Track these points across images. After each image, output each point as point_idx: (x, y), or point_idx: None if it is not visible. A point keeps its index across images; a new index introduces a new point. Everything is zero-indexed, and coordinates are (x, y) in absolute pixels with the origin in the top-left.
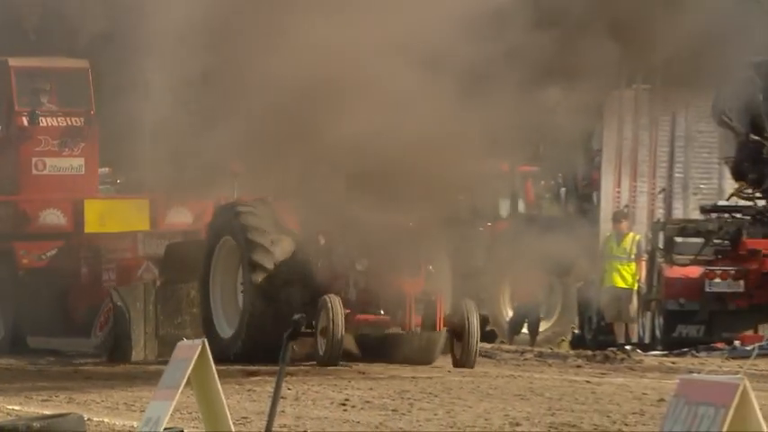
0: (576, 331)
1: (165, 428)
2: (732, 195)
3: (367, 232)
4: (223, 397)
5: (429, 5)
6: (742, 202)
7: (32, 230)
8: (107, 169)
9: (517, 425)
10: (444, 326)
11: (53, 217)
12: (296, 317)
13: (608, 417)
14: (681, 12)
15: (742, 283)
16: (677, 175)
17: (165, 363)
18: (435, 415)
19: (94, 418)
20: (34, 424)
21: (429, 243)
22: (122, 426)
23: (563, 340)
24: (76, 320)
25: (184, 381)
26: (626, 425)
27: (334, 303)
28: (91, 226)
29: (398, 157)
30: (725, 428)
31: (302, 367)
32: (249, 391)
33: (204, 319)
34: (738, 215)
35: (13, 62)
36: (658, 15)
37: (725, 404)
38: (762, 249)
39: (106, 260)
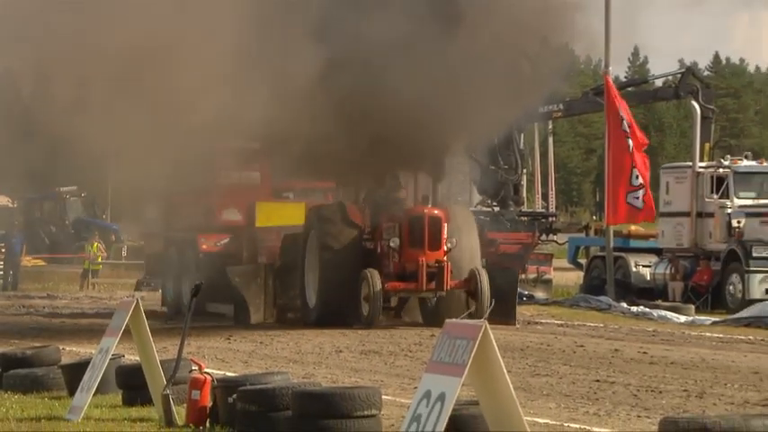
0: None
1: (113, 354)
2: (478, 204)
3: None
4: (150, 334)
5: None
6: (484, 209)
7: (215, 224)
8: (75, 187)
9: (340, 351)
10: (461, 288)
11: (232, 214)
12: (197, 282)
13: (398, 346)
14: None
15: (485, 261)
16: (443, 191)
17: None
18: (288, 345)
19: (67, 348)
20: (27, 351)
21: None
22: (85, 352)
23: None
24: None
25: (124, 324)
26: (410, 351)
27: (372, 275)
28: (261, 222)
29: None
30: (473, 354)
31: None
32: (168, 330)
33: (300, 291)
34: (482, 217)
35: None
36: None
37: (473, 338)
38: (497, 239)
39: (260, 247)
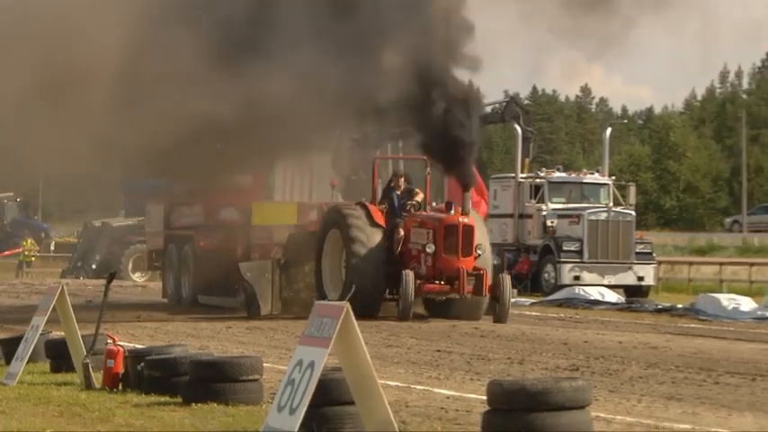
0: None
1: (42, 331)
2: None
3: None
4: (72, 314)
5: None
6: None
7: (212, 223)
8: (11, 193)
9: (229, 327)
10: (488, 293)
11: (230, 213)
12: (112, 271)
13: (277, 323)
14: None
15: None
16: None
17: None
18: (186, 322)
19: (4, 325)
20: None
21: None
22: (19, 329)
23: None
24: (232, 285)
25: (52, 305)
26: (287, 327)
27: (409, 276)
28: (256, 221)
29: None
30: (337, 329)
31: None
32: (87, 311)
33: (317, 285)
34: None
35: None
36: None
37: (338, 316)
38: None
39: (253, 245)
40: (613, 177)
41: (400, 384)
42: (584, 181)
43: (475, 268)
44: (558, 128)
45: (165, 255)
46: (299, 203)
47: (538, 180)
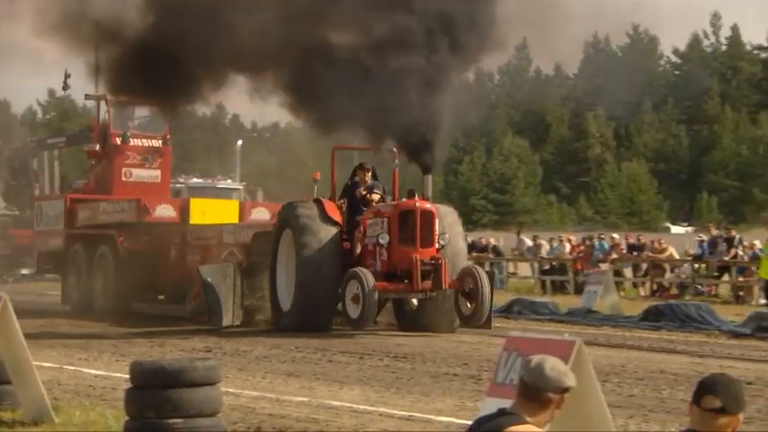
0: None
1: None
2: (3, 208)
3: None
4: None
5: None
6: (8, 212)
7: (139, 221)
8: None
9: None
10: (455, 287)
11: (165, 211)
12: None
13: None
14: None
15: None
16: None
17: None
18: None
19: None
20: None
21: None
22: None
23: None
24: (166, 291)
25: None
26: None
27: (366, 274)
28: (194, 219)
29: None
30: None
31: None
32: None
33: (270, 292)
34: (6, 218)
35: (110, 97)
36: None
37: None
38: (14, 235)
39: (191, 246)
40: (244, 183)
41: (53, 365)
42: (219, 186)
43: (432, 258)
44: (196, 139)
45: (66, 257)
46: (241, 202)
47: (178, 185)
